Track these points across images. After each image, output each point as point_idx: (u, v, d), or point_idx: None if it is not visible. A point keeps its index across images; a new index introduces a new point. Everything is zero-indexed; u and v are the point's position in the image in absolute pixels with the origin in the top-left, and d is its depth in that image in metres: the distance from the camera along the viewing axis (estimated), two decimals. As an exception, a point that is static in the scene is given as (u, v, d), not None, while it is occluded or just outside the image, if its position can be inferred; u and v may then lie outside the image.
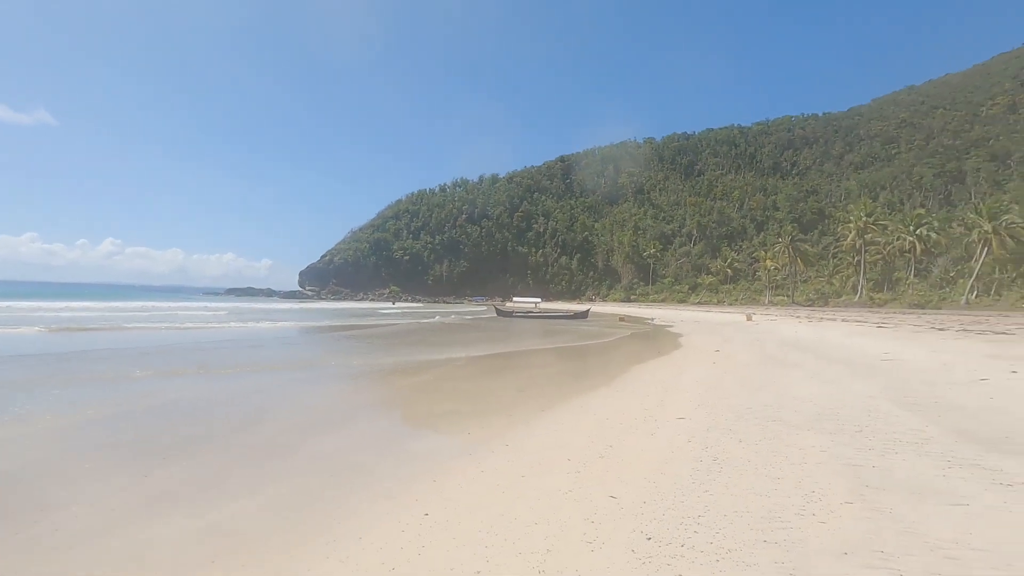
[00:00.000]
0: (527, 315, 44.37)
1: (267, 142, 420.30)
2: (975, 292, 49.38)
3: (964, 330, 20.01)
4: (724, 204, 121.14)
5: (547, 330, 29.22)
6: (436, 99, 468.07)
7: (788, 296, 73.47)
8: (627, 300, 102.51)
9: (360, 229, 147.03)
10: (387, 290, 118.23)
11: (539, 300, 54.84)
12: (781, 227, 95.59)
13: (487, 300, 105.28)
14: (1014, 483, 3.82)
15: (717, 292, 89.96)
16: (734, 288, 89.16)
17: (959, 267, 55.12)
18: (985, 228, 48.17)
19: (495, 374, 12.33)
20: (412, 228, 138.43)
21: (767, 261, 78.53)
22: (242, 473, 5.02)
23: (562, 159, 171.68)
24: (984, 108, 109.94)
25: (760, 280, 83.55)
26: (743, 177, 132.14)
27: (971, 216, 52.59)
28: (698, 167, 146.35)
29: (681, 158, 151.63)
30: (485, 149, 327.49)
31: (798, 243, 75.93)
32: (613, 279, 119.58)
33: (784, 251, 74.71)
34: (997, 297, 47.55)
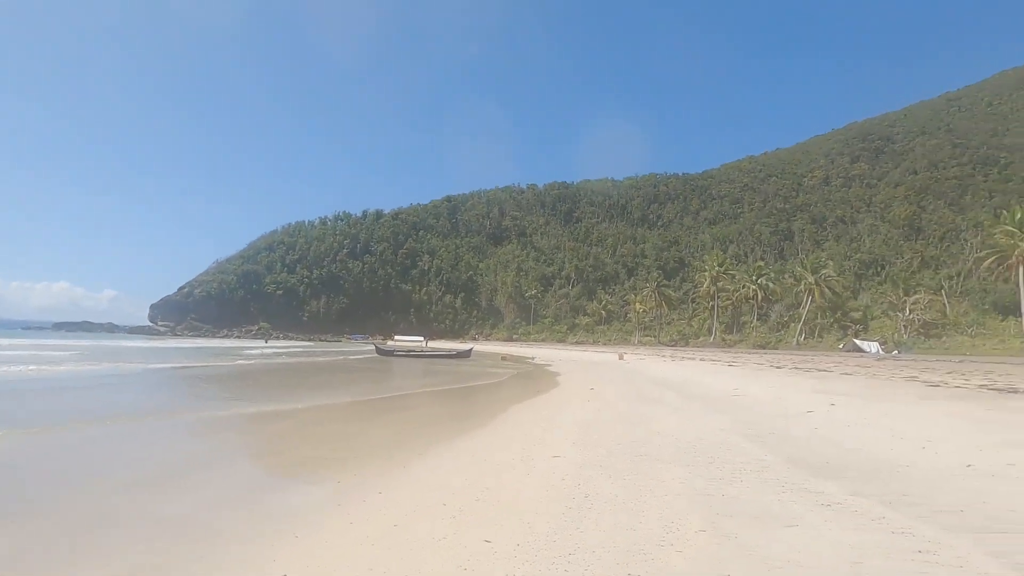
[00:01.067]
0: (409, 354, 43.39)
1: (119, 149, 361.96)
2: (803, 335, 57.06)
3: (795, 368, 22.96)
4: (599, 250, 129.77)
5: (429, 369, 28.74)
6: (321, 128, 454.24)
7: (655, 336, 79.52)
8: (510, 339, 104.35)
9: (227, 260, 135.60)
10: (256, 327, 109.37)
11: (422, 338, 53.96)
12: (649, 273, 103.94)
13: (367, 338, 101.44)
14: (832, 503, 4.39)
15: (593, 332, 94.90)
16: (608, 329, 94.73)
17: (791, 312, 63.54)
18: (809, 280, 56.30)
19: (372, 416, 11.80)
20: (287, 261, 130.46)
21: (637, 304, 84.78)
22: (66, 546, 4.23)
23: (449, 199, 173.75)
24: (805, 179, 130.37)
25: (631, 321, 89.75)
26: (616, 226, 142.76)
27: (798, 269, 61.31)
28: (576, 214, 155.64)
29: (561, 205, 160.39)
30: (371, 184, 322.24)
31: (663, 288, 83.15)
32: (496, 318, 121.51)
33: (651, 295, 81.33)
34: (820, 339, 55.32)
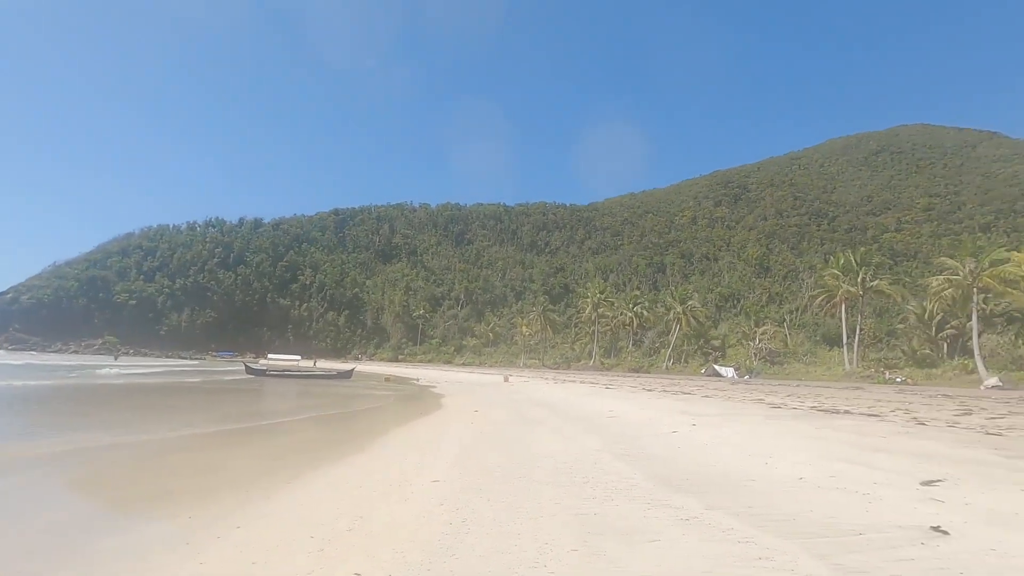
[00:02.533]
0: (284, 374, 40.52)
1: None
2: (672, 360, 61.86)
3: (664, 390, 24.76)
4: (489, 272, 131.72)
5: (306, 391, 27.04)
6: (195, 124, 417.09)
7: (540, 359, 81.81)
8: (395, 360, 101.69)
9: (67, 263, 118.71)
10: (100, 340, 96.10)
11: (299, 357, 50.65)
12: (535, 297, 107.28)
13: (237, 356, 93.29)
14: (690, 518, 4.74)
15: (480, 354, 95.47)
16: (495, 351, 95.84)
17: (662, 339, 68.72)
18: (678, 310, 61.39)
19: (236, 443, 10.80)
20: (145, 268, 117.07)
21: (523, 327, 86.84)
22: None
23: (336, 212, 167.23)
24: (677, 218, 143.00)
25: (517, 344, 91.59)
26: (506, 250, 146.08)
27: (669, 300, 66.68)
28: (468, 236, 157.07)
29: (453, 226, 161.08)
30: (253, 190, 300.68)
31: (549, 313, 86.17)
32: (382, 338, 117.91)
33: (537, 319, 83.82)
34: (686, 364, 60.28)
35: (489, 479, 6.55)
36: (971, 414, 14.04)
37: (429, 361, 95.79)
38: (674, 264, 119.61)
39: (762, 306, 78.88)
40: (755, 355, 56.17)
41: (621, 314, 71.22)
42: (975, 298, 36.47)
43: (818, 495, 5.45)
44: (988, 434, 10.06)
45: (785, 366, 51.57)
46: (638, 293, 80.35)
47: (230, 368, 53.74)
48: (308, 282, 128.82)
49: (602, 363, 68.57)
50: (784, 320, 66.32)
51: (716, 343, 63.98)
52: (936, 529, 4.21)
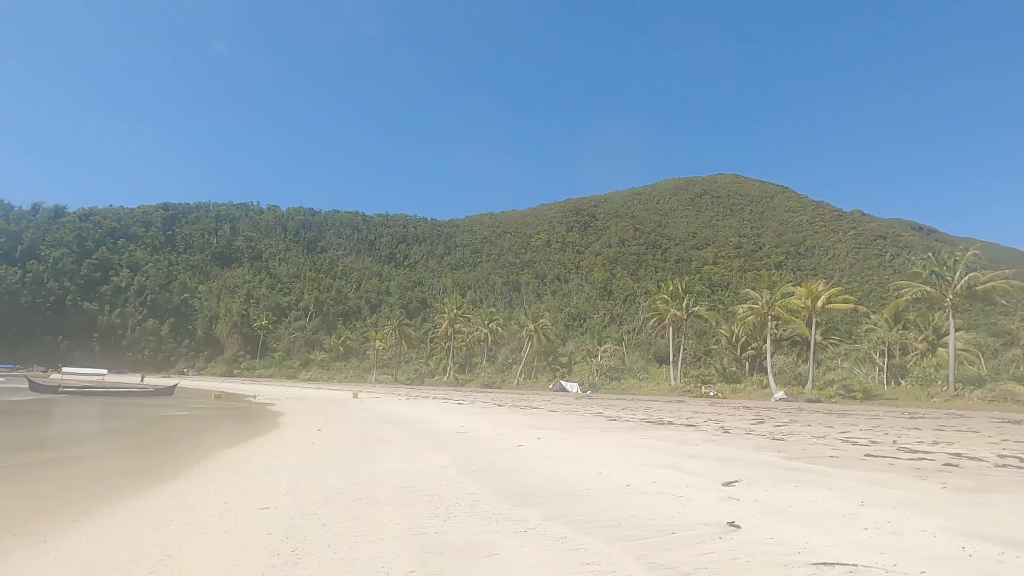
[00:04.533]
0: (83, 391, 34.32)
1: None
2: (523, 375, 64.16)
3: (514, 405, 25.54)
4: (343, 283, 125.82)
5: (111, 411, 23.21)
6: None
7: (392, 375, 79.65)
8: (229, 375, 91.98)
9: None
10: None
11: (106, 371, 43.22)
12: (392, 311, 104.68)
13: (18, 369, 77.27)
14: (528, 529, 4.89)
15: (328, 369, 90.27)
16: (345, 366, 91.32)
17: (515, 355, 71.03)
18: (530, 327, 64.03)
19: (8, 476, 8.85)
20: None
21: (377, 342, 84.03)
22: None
23: (166, 206, 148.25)
24: (533, 239, 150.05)
25: (369, 359, 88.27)
26: (363, 261, 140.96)
27: (523, 318, 69.33)
28: (321, 244, 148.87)
29: (306, 232, 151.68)
30: (55, 172, 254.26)
31: (405, 327, 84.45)
32: (215, 350, 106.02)
33: (392, 333, 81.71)
34: (536, 379, 62.88)
35: (327, 503, 6.15)
36: (763, 423, 16.54)
37: (270, 377, 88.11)
38: (529, 283, 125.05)
39: (605, 326, 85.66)
40: (597, 371, 60.54)
41: (477, 330, 72.36)
42: (769, 324, 43.37)
43: (641, 500, 5.97)
44: (774, 439, 11.92)
45: (622, 381, 56.31)
46: (494, 310, 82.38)
47: (5, 385, 44.07)
48: (124, 284, 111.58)
49: (456, 379, 68.84)
50: (623, 339, 72.68)
51: (564, 360, 67.83)
52: (731, 524, 4.84)
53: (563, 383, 54.47)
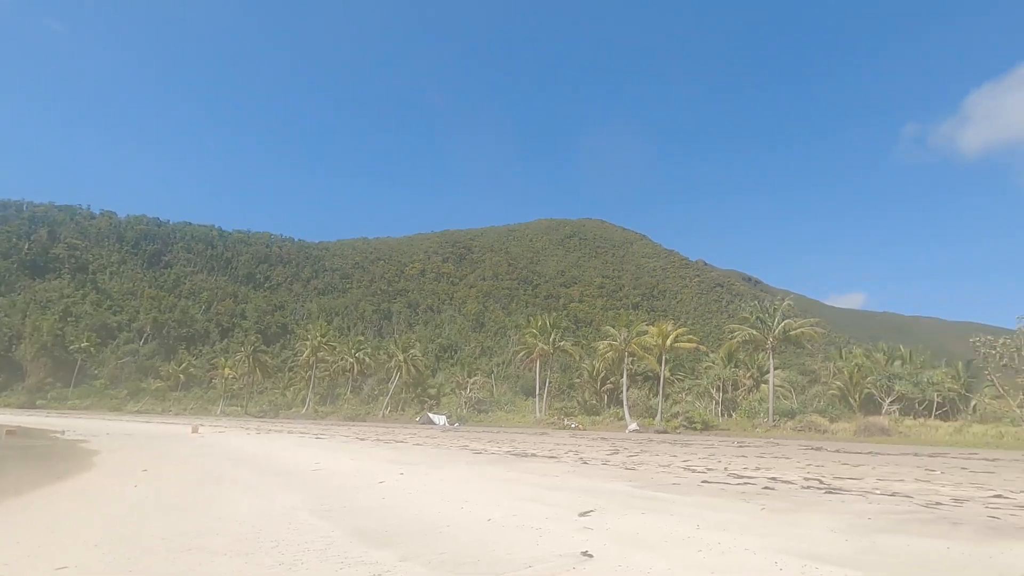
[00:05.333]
0: None
1: None
2: (390, 407, 62.00)
3: (378, 439, 24.48)
4: (190, 303, 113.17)
5: None
6: None
7: (243, 407, 72.50)
8: (31, 406, 77.25)
9: None
10: None
11: None
12: (246, 336, 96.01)
13: None
14: (383, 572, 4.64)
15: (164, 400, 79.74)
16: (186, 396, 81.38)
17: (381, 386, 68.51)
18: (399, 358, 62.45)
19: None
20: None
21: (226, 369, 76.27)
22: None
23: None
24: (407, 268, 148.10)
25: (216, 389, 79.61)
26: (215, 279, 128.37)
27: (392, 347, 67.43)
28: (166, 259, 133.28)
29: (147, 244, 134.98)
30: None
31: (260, 354, 77.75)
32: (13, 377, 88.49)
33: (245, 360, 74.78)
34: (403, 412, 61.07)
35: (146, 556, 5.32)
36: (618, 453, 17.59)
37: (86, 408, 75.37)
38: (400, 312, 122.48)
39: (476, 358, 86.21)
40: (466, 403, 60.42)
41: (342, 359, 68.81)
42: (626, 360, 46.75)
43: (502, 534, 5.98)
44: (627, 469, 12.71)
45: (490, 414, 56.72)
46: (362, 339, 79.06)
47: None
48: None
49: (317, 411, 64.46)
50: (493, 371, 73.56)
51: (433, 391, 66.74)
52: (585, 553, 5.02)
53: (431, 415, 53.49)
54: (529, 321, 63.03)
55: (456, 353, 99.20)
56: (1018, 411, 32.44)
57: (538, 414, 50.15)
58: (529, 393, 61.19)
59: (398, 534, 6.11)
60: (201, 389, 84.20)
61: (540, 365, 53.27)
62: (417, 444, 21.46)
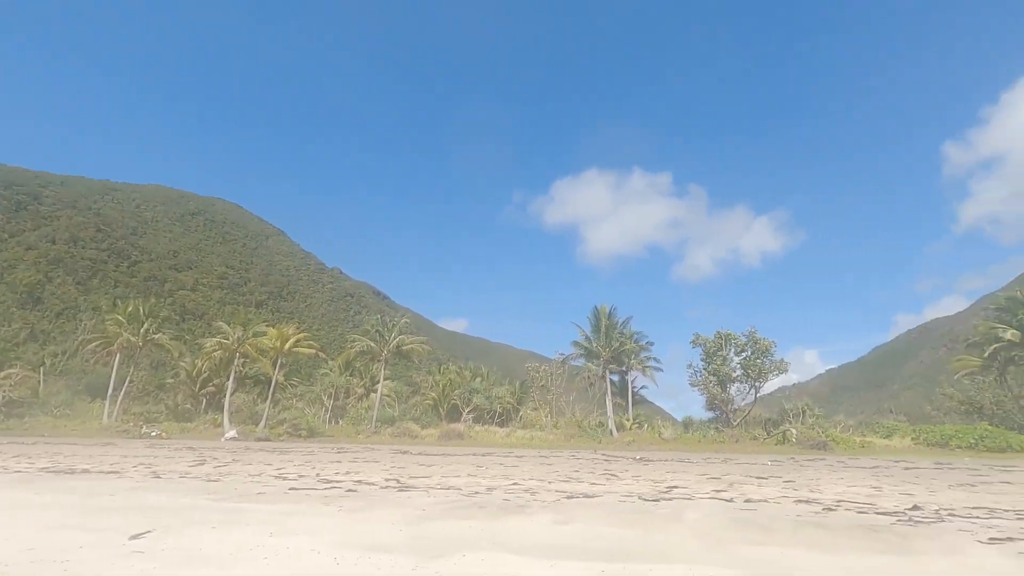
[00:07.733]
0: None
1: None
2: None
3: None
4: None
5: None
6: None
7: None
8: None
9: None
10: None
11: None
12: None
13: None
14: None
15: None
16: None
17: None
18: None
19: None
20: None
21: None
22: None
23: None
24: None
25: None
26: None
27: None
28: None
29: None
30: None
31: None
32: None
33: None
34: None
35: None
36: (205, 463, 15.93)
37: None
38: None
39: (17, 343, 64.06)
40: (-12, 405, 43.91)
41: None
42: (236, 361, 42.78)
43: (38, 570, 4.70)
44: (210, 481, 11.66)
45: (28, 419, 42.78)
46: None
47: None
48: None
49: None
50: (44, 363, 55.88)
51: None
52: (128, 581, 4.43)
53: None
54: (117, 304, 51.03)
55: (-16, 334, 71.30)
56: (545, 420, 44.07)
57: (106, 420, 40.63)
58: (97, 393, 49.04)
59: None
60: None
61: (121, 360, 43.53)
62: None
